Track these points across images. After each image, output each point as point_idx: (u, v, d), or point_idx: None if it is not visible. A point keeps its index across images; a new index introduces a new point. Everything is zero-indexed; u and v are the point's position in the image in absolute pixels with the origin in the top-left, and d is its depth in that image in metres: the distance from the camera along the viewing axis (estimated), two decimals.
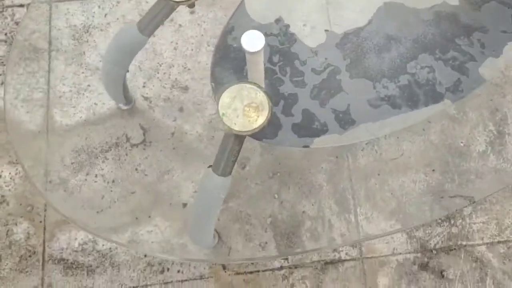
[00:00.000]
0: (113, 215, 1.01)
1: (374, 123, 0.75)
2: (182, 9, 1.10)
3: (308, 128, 0.75)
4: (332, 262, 0.99)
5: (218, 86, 0.75)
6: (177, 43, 1.11)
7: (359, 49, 0.80)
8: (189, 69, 1.09)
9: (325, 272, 0.98)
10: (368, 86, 0.77)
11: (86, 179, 1.03)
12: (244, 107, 0.60)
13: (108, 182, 1.03)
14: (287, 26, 0.81)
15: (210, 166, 0.70)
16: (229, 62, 0.78)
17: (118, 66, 0.83)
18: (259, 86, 0.60)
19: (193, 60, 1.10)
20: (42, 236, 1.02)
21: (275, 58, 0.79)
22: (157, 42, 1.11)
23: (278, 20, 0.82)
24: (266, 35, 0.62)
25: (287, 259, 0.99)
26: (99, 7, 1.14)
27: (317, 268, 0.99)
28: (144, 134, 1.06)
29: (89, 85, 1.08)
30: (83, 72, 1.09)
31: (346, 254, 1.00)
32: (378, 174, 1.04)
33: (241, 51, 0.78)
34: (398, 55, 0.79)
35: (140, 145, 1.05)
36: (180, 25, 1.12)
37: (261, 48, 0.61)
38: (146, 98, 1.08)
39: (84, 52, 1.10)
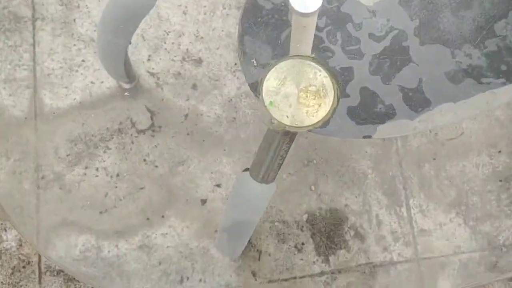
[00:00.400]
0: (120, 215, 0.85)
1: (455, 103, 0.58)
2: None
3: (369, 113, 0.57)
4: (382, 265, 0.83)
5: (256, 62, 0.57)
6: (186, 7, 0.92)
7: (431, 5, 0.61)
8: (202, 38, 0.91)
9: (375, 277, 0.83)
10: (445, 54, 0.59)
11: (85, 174, 0.86)
12: (300, 93, 0.43)
13: (111, 177, 0.86)
14: None
15: (246, 169, 0.53)
16: (261, 29, 0.60)
17: (118, 37, 0.65)
18: (319, 62, 0.43)
19: (206, 26, 0.91)
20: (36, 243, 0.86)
21: (321, 22, 0.61)
22: (162, 5, 0.92)
23: None
24: None
25: (328, 262, 0.83)
26: None
27: (364, 272, 0.83)
28: (152, 118, 0.88)
29: (83, 60, 0.90)
30: (75, 45, 0.90)
31: (399, 254, 0.84)
32: (434, 159, 0.87)
33: (276, 13, 0.60)
34: (482, 12, 0.61)
35: (147, 131, 0.88)
36: None
37: (318, 8, 0.43)
38: (152, 74, 0.89)
39: (74, 20, 0.91)
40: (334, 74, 0.43)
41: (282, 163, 0.50)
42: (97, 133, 0.87)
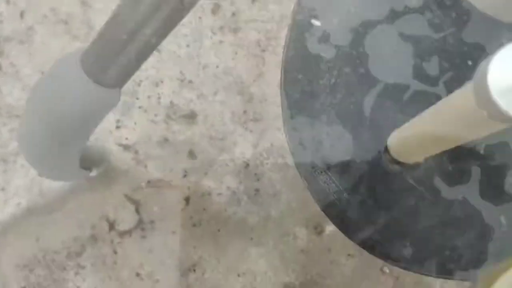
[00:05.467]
0: None
1: None
2: None
3: None
4: None
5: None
6: None
7: None
8: (190, 82, 0.63)
9: None
10: None
11: None
12: None
13: None
14: None
15: None
16: (312, 100, 0.33)
17: (64, 146, 0.37)
18: None
19: (193, 64, 0.63)
20: None
21: None
22: None
23: None
24: None
25: None
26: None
27: None
28: (137, 211, 0.60)
29: None
30: (5, 124, 0.61)
31: None
32: None
33: (358, 56, 0.33)
34: None
35: (135, 230, 0.60)
36: None
37: None
38: (127, 148, 0.61)
39: None
40: None
41: None
42: (61, 248, 0.59)
